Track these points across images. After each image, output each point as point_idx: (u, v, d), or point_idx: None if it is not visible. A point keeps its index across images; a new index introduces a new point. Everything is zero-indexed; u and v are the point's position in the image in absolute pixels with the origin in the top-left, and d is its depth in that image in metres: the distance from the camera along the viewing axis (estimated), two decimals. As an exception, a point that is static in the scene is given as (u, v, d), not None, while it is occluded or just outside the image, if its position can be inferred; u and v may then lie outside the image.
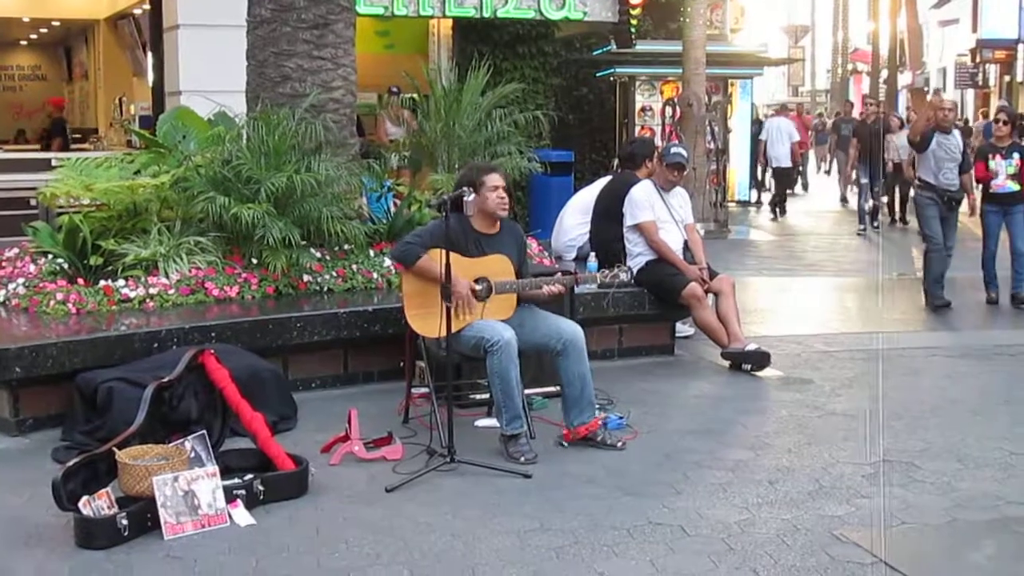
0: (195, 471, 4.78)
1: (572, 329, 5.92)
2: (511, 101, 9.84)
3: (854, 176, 18.41)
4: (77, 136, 17.10)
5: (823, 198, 23.49)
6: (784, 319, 10.06)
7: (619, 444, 5.87)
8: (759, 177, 23.52)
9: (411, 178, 9.60)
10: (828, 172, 31.65)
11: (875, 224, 17.29)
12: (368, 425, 5.78)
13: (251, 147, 7.59)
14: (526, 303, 6.09)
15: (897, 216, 18.19)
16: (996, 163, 10.31)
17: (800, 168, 24.65)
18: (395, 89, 14.61)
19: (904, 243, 15.96)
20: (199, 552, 4.47)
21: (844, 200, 22.12)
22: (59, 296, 6.81)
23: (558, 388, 6.04)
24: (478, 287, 5.85)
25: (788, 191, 21.41)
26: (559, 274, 6.55)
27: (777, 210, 20.01)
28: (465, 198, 5.73)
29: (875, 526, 4.81)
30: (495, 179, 5.96)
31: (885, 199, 18.19)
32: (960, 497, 5.18)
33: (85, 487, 4.67)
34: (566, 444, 5.89)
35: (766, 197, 23.43)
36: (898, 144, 16.70)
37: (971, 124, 26.03)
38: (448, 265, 5.44)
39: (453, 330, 5.56)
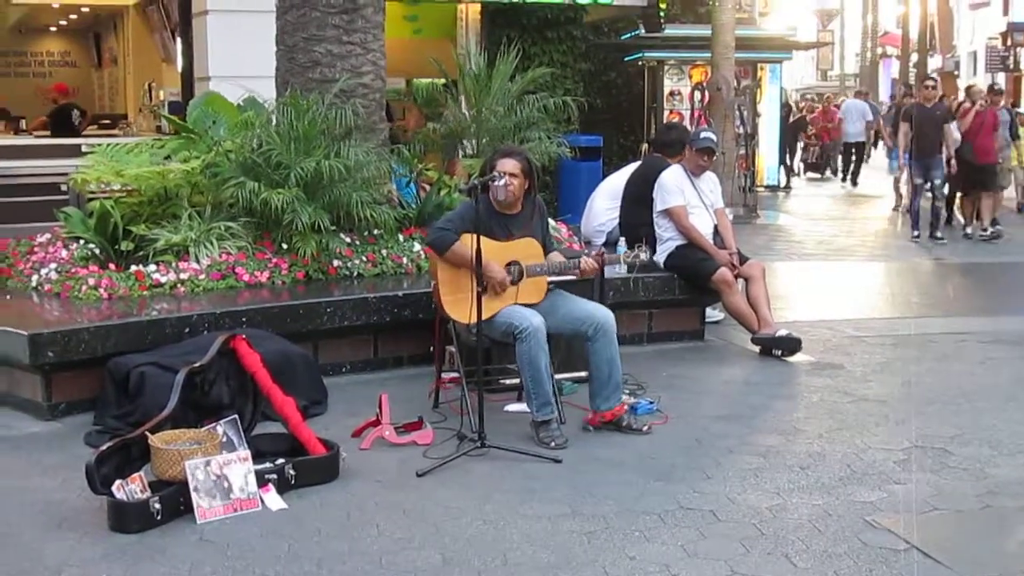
0: (227, 456, 4.81)
1: (604, 314, 5.90)
2: (540, 86, 9.80)
3: (904, 172, 16.07)
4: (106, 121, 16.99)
5: (861, 184, 23.29)
6: (814, 304, 10.00)
7: (644, 428, 5.87)
8: (788, 162, 23.42)
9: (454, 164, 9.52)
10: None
11: (938, 235, 14.09)
12: (398, 410, 5.80)
13: (281, 132, 7.60)
14: (555, 287, 6.07)
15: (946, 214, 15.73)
16: None
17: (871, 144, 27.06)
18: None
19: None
20: (231, 536, 4.50)
21: (896, 208, 18.01)
22: (91, 281, 6.85)
23: (588, 373, 6.03)
24: (510, 275, 5.84)
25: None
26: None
27: (849, 181, 23.58)
28: (495, 183, 5.74)
29: (907, 512, 4.78)
30: (505, 165, 5.90)
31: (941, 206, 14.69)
32: (993, 483, 5.15)
33: (118, 471, 4.70)
34: (591, 428, 5.89)
35: (796, 182, 23.43)
36: (952, 136, 14.49)
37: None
38: (479, 251, 5.43)
39: (486, 315, 5.56)
